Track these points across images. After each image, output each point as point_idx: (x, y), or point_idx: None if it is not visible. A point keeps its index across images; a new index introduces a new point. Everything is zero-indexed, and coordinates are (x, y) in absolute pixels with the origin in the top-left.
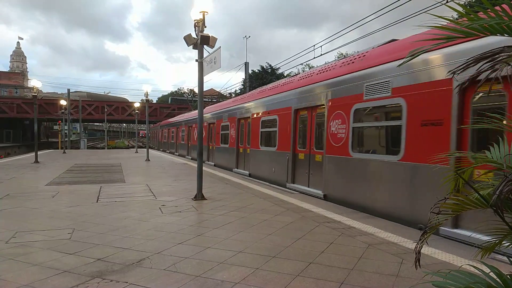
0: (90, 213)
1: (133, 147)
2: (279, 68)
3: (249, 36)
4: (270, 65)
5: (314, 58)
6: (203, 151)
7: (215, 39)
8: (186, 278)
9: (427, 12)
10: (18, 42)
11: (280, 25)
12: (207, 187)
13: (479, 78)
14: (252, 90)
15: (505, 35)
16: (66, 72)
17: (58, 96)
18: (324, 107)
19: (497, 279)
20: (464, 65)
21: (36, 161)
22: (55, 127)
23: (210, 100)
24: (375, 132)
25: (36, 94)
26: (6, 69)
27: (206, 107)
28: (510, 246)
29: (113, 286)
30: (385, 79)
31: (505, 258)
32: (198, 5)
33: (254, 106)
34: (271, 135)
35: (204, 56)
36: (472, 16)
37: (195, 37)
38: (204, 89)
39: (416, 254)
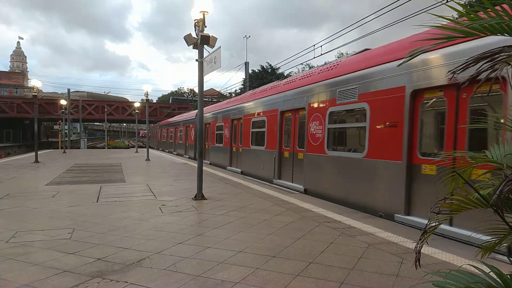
0: (90, 213)
1: (133, 147)
2: (279, 68)
3: (249, 36)
4: (270, 65)
5: (314, 58)
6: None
7: (215, 39)
8: (186, 278)
9: (427, 12)
10: (18, 42)
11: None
12: (207, 187)
13: (425, 86)
14: (252, 90)
15: (506, 34)
16: (66, 72)
17: (58, 96)
18: (305, 110)
19: (497, 279)
20: (464, 65)
21: (36, 161)
22: (55, 127)
23: (210, 100)
24: (345, 132)
25: (36, 94)
26: (6, 69)
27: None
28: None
29: (113, 286)
30: (353, 86)
31: (505, 258)
32: (198, 5)
33: (246, 107)
34: (261, 135)
35: (204, 56)
36: (472, 15)
37: (195, 37)
38: (204, 89)
39: (416, 254)
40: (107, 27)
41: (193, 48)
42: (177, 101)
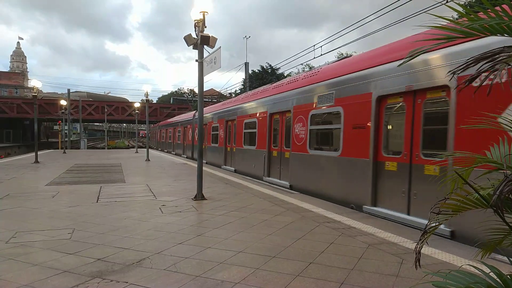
0: (90, 213)
1: (133, 147)
2: (279, 68)
3: (249, 36)
4: (270, 65)
5: (314, 58)
6: (194, 150)
7: (215, 39)
8: (186, 278)
9: (427, 12)
10: (18, 42)
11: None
12: (207, 187)
13: (388, 93)
14: (245, 93)
15: (505, 35)
16: (66, 72)
17: (58, 96)
18: (290, 112)
19: (497, 279)
20: (464, 65)
21: (36, 161)
22: (55, 127)
23: (210, 100)
24: (324, 133)
25: (36, 94)
26: (6, 69)
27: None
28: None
29: (113, 286)
30: (330, 91)
31: (505, 258)
32: (198, 5)
33: (239, 109)
34: (252, 135)
35: (204, 56)
36: (472, 16)
37: (195, 37)
38: (204, 89)
39: (416, 254)
40: (107, 27)
41: (193, 48)
42: (177, 102)
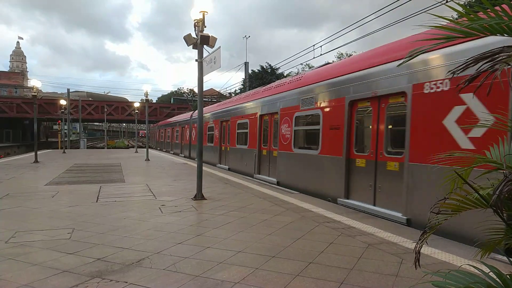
0: (89, 213)
1: (133, 147)
2: (279, 68)
3: (249, 36)
4: (270, 65)
5: (314, 58)
6: (191, 149)
7: (215, 39)
8: (185, 278)
9: (427, 12)
10: (17, 42)
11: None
12: (206, 187)
13: (358, 98)
14: (238, 95)
15: (505, 35)
16: (66, 72)
17: (58, 96)
18: (278, 114)
19: (497, 279)
20: (464, 65)
21: (36, 161)
22: (55, 127)
23: (210, 100)
24: (306, 133)
25: (36, 94)
26: (6, 69)
27: (196, 111)
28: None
29: (113, 286)
30: (311, 95)
31: (504, 258)
32: (198, 5)
33: (232, 111)
34: (244, 135)
35: (204, 56)
36: (472, 16)
37: (195, 37)
38: (204, 89)
39: (415, 254)
40: (107, 27)
41: (193, 48)
42: (178, 101)
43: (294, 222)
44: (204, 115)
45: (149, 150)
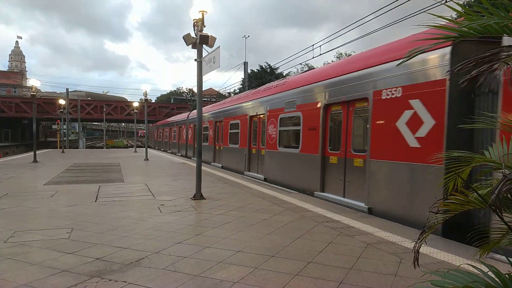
0: (88, 212)
1: (132, 146)
2: (278, 68)
3: (248, 36)
4: (269, 65)
5: (313, 57)
6: (188, 149)
7: (214, 39)
8: (185, 278)
9: (427, 12)
10: (16, 42)
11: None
12: (206, 187)
13: (331, 102)
14: (231, 97)
15: (504, 35)
16: (66, 72)
17: (57, 95)
18: (265, 115)
19: (496, 278)
20: (464, 65)
21: (35, 161)
22: (54, 126)
23: (209, 99)
24: (289, 133)
25: (34, 93)
26: (5, 69)
27: (192, 112)
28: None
29: (112, 286)
30: (293, 98)
31: (503, 257)
32: (197, 5)
33: (225, 112)
34: (236, 135)
35: (203, 55)
36: (471, 16)
37: (194, 36)
38: (203, 89)
39: (414, 253)
40: (107, 27)
41: (192, 47)
42: (177, 101)
43: (293, 222)
44: None
45: (148, 149)
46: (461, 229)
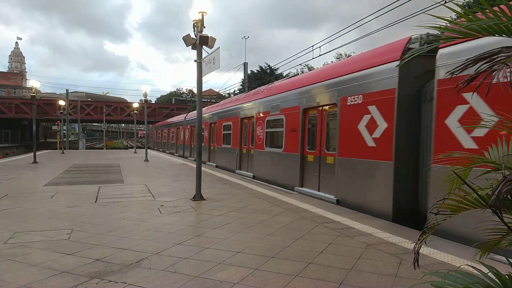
0: (88, 213)
1: (131, 147)
2: (278, 68)
3: (248, 37)
4: (269, 66)
5: (313, 58)
6: (185, 149)
7: (214, 40)
8: (184, 279)
9: (426, 12)
10: (16, 43)
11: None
12: (205, 188)
13: (308, 106)
14: (224, 99)
15: (504, 35)
16: (66, 73)
17: (56, 96)
18: (254, 118)
19: (496, 279)
20: (463, 65)
21: (35, 162)
22: (54, 127)
23: (209, 100)
24: (274, 135)
25: (34, 94)
26: (5, 70)
27: (190, 113)
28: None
29: (112, 287)
30: (278, 103)
31: (503, 258)
32: (197, 6)
33: (219, 114)
34: (228, 136)
35: (203, 56)
36: (470, 16)
37: (194, 37)
38: (203, 89)
39: (415, 254)
40: (107, 27)
41: (192, 48)
42: (177, 102)
43: (293, 223)
44: (195, 117)
45: (148, 150)
46: (409, 214)
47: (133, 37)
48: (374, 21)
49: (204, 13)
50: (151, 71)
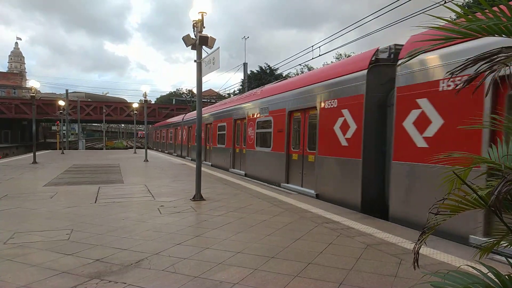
0: (88, 213)
1: (131, 147)
2: (278, 68)
3: (248, 37)
4: (268, 66)
5: (313, 58)
6: (183, 149)
7: (213, 40)
8: (184, 279)
9: (426, 12)
10: (16, 43)
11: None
12: (205, 188)
13: (293, 109)
14: (220, 101)
15: (503, 36)
16: (65, 73)
17: (56, 96)
18: (246, 119)
19: (495, 280)
20: (463, 65)
21: (35, 162)
22: (53, 127)
23: (208, 100)
24: (264, 135)
25: (34, 94)
26: (4, 70)
27: (188, 114)
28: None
29: (112, 287)
30: (267, 105)
31: (503, 258)
32: (197, 6)
33: (214, 115)
34: (223, 136)
35: (203, 56)
36: (470, 16)
37: (194, 37)
38: (203, 90)
39: (414, 254)
40: (107, 28)
41: (192, 49)
42: (177, 102)
43: (293, 223)
44: (192, 118)
45: (148, 151)
46: (375, 205)
47: (133, 37)
48: (374, 21)
49: (204, 13)
50: (151, 71)
